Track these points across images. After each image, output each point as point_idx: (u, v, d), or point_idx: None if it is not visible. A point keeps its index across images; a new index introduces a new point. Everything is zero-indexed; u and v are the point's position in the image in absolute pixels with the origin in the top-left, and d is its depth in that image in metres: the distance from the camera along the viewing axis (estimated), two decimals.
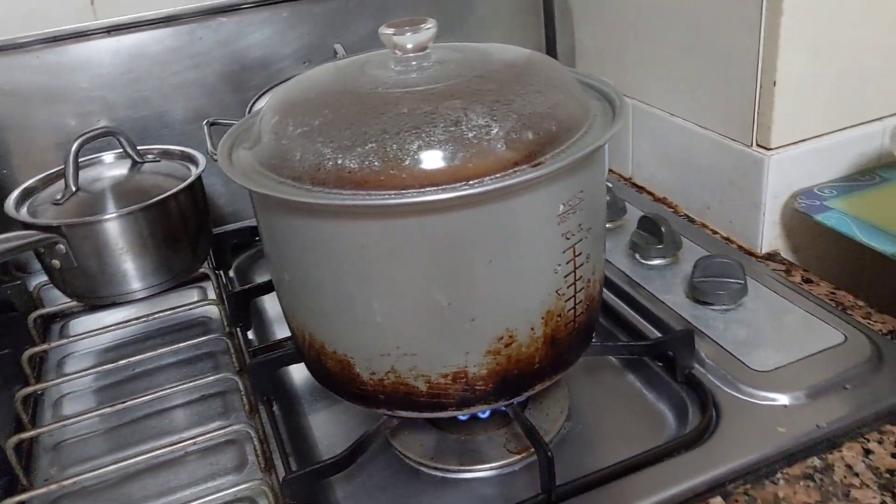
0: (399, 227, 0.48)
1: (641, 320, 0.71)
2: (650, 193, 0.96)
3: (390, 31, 0.54)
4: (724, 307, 0.70)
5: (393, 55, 0.55)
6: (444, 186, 0.46)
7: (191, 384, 0.67)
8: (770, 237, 0.80)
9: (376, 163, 0.47)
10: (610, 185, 0.95)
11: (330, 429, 0.65)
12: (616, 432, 0.62)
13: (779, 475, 0.55)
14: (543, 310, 0.52)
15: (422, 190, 0.46)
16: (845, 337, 0.65)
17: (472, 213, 0.47)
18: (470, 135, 0.47)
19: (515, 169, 0.47)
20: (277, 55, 0.97)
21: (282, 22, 0.96)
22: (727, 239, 0.84)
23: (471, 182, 0.46)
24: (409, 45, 0.54)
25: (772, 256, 0.80)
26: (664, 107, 0.91)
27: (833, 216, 0.74)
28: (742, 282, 0.70)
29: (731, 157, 0.81)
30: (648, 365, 0.66)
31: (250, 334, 0.77)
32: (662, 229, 0.77)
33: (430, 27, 0.54)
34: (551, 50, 1.06)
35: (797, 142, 0.77)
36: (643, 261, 0.78)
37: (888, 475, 0.54)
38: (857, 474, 0.54)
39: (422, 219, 0.47)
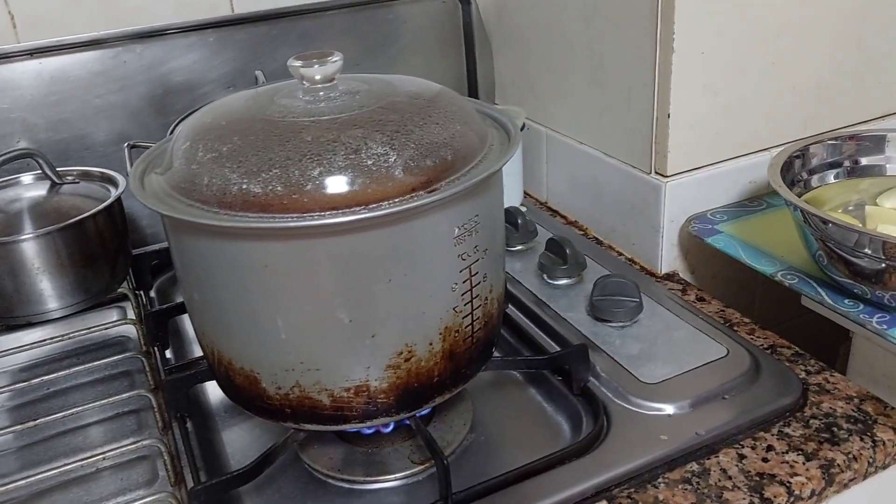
0: (301, 248, 0.51)
1: (545, 337, 0.75)
2: (563, 217, 1.01)
3: (298, 63, 0.57)
4: (620, 324, 0.74)
5: (302, 86, 0.58)
6: (343, 210, 0.49)
7: (104, 402, 0.68)
8: (668, 258, 0.86)
9: (279, 187, 0.49)
10: (524, 208, 1.00)
11: (243, 444, 0.67)
12: (516, 442, 0.65)
13: (660, 480, 0.59)
14: (441, 326, 0.55)
15: (322, 213, 0.49)
16: (728, 351, 0.70)
17: (371, 235, 0.51)
18: (369, 162, 0.51)
19: (412, 195, 0.51)
20: (202, 80, 0.99)
21: (207, 47, 0.98)
22: (631, 260, 0.89)
23: (369, 206, 0.50)
24: (317, 77, 0.57)
25: (670, 277, 0.86)
26: (574, 135, 0.96)
27: (722, 239, 0.79)
28: (637, 300, 0.74)
29: (632, 183, 0.86)
30: (549, 379, 0.70)
31: (168, 353, 0.78)
32: (567, 251, 0.81)
33: (336, 60, 0.57)
34: (471, 79, 1.11)
35: (691, 170, 0.83)
36: (550, 280, 0.82)
37: (758, 478, 0.59)
38: (730, 477, 0.59)
39: (323, 240, 0.50)
